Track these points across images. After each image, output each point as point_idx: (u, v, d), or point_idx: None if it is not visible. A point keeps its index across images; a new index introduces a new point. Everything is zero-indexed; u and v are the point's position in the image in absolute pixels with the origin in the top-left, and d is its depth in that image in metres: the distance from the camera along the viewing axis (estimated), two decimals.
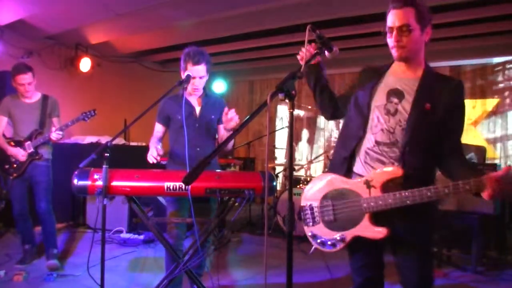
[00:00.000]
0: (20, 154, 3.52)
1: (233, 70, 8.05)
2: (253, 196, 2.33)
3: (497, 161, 5.92)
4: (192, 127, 2.69)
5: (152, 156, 2.50)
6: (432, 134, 1.66)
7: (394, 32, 1.65)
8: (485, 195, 1.47)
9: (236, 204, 2.53)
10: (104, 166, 2.24)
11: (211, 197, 2.69)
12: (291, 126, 1.39)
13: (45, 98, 3.71)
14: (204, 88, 2.83)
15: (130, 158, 3.89)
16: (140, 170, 2.51)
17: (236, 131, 1.42)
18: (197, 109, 2.78)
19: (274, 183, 2.61)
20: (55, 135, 3.42)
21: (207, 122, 2.79)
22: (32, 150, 3.55)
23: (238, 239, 4.79)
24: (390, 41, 1.68)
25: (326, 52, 1.56)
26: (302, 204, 1.89)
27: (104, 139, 5.30)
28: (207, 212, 2.77)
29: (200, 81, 2.70)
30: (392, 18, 1.66)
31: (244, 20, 4.95)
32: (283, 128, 6.68)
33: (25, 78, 3.55)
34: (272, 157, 6.70)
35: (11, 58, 5.31)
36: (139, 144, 5.75)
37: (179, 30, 5.34)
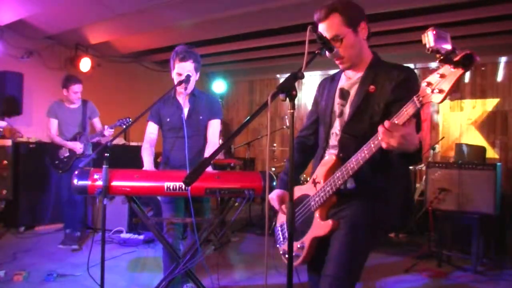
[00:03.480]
0: (78, 146, 4.16)
1: (233, 70, 8.05)
2: (253, 196, 2.33)
3: (497, 161, 5.92)
4: (180, 129, 2.65)
5: None
6: (375, 115, 1.58)
7: None
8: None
9: (236, 204, 2.53)
10: (104, 166, 2.24)
11: (204, 197, 2.65)
12: (292, 126, 1.39)
13: (84, 103, 4.32)
14: (193, 89, 2.77)
15: (130, 158, 3.89)
16: (140, 170, 2.51)
17: (236, 132, 1.42)
18: (185, 111, 2.74)
19: (274, 183, 2.61)
20: (107, 132, 4.05)
21: (196, 124, 2.74)
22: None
23: (238, 239, 4.79)
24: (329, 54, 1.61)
25: (327, 53, 1.56)
26: (275, 226, 1.88)
27: (104, 139, 5.30)
28: (201, 212, 2.73)
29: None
30: (322, 31, 1.61)
31: (244, 20, 4.95)
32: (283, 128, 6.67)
33: (79, 88, 4.20)
34: (272, 157, 6.70)
35: (11, 58, 5.32)
36: (139, 144, 5.74)
37: (179, 30, 5.35)
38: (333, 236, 1.59)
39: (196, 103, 2.77)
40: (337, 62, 1.65)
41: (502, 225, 3.99)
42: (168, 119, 2.74)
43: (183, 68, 2.63)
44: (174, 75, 2.68)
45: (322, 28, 1.62)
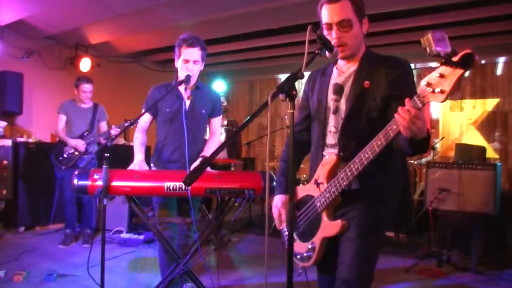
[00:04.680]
0: (80, 143, 4.26)
1: (233, 70, 8.05)
2: (253, 196, 2.33)
3: (497, 161, 5.92)
4: (180, 121, 2.56)
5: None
6: (372, 110, 1.56)
7: (334, 28, 1.58)
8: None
9: (236, 204, 2.53)
10: (104, 166, 2.24)
11: (193, 196, 2.58)
12: (292, 126, 1.39)
13: (95, 105, 4.51)
14: (196, 80, 2.71)
15: (130, 158, 3.90)
16: (140, 170, 2.51)
17: (236, 132, 1.42)
18: (187, 103, 2.66)
19: (274, 183, 2.60)
20: (114, 131, 4.18)
21: (197, 117, 2.69)
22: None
23: (238, 239, 4.79)
24: (329, 38, 1.59)
25: (327, 53, 1.56)
26: (281, 228, 1.86)
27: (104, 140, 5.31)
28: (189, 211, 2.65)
29: (194, 66, 2.58)
30: (329, 13, 1.58)
31: (244, 20, 4.95)
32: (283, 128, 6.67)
33: (88, 87, 4.38)
34: (273, 157, 6.69)
35: (11, 58, 5.32)
36: None
37: (179, 30, 5.32)
38: (343, 237, 1.59)
39: (199, 96, 2.72)
40: (338, 49, 1.59)
41: (502, 225, 3.99)
42: (167, 109, 2.65)
43: (190, 54, 2.55)
44: (179, 63, 2.60)
45: (331, 9, 1.58)
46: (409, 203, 4.75)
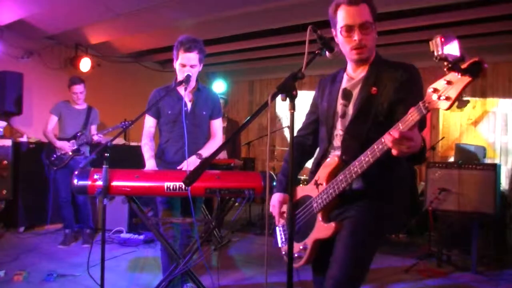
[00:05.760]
0: (66, 145, 4.25)
1: (233, 70, 8.05)
2: (253, 196, 2.33)
3: (497, 161, 5.92)
4: (182, 123, 2.58)
5: None
6: (379, 115, 1.56)
7: (356, 31, 1.56)
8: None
9: (236, 204, 2.53)
10: (104, 166, 2.24)
11: (197, 197, 2.61)
12: (292, 127, 1.39)
13: (89, 108, 4.55)
14: (197, 82, 2.74)
15: (130, 158, 3.90)
16: (140, 170, 2.51)
17: (236, 133, 1.42)
18: (188, 105, 2.69)
19: (274, 183, 2.60)
20: (96, 137, 4.31)
21: (198, 118, 2.71)
22: (75, 147, 4.30)
23: (238, 239, 4.79)
24: (348, 40, 1.58)
25: (327, 53, 1.55)
26: (277, 226, 1.86)
27: (104, 139, 5.31)
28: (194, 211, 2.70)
29: (192, 69, 2.59)
30: (350, 15, 1.56)
31: (244, 20, 4.95)
32: (283, 128, 6.68)
33: (79, 88, 4.40)
34: (273, 157, 6.69)
35: (11, 58, 5.32)
36: (139, 144, 5.74)
37: (179, 30, 5.34)
38: (337, 237, 1.57)
39: (200, 98, 2.74)
40: (356, 51, 1.59)
41: (502, 225, 3.99)
42: (169, 111, 2.67)
43: (188, 59, 2.56)
44: (177, 65, 2.61)
45: (352, 11, 1.56)
46: (415, 205, 4.72)
